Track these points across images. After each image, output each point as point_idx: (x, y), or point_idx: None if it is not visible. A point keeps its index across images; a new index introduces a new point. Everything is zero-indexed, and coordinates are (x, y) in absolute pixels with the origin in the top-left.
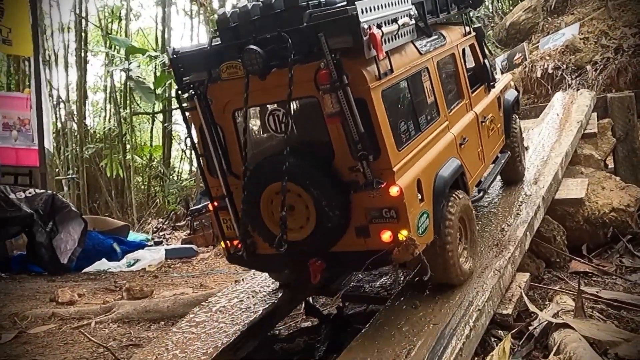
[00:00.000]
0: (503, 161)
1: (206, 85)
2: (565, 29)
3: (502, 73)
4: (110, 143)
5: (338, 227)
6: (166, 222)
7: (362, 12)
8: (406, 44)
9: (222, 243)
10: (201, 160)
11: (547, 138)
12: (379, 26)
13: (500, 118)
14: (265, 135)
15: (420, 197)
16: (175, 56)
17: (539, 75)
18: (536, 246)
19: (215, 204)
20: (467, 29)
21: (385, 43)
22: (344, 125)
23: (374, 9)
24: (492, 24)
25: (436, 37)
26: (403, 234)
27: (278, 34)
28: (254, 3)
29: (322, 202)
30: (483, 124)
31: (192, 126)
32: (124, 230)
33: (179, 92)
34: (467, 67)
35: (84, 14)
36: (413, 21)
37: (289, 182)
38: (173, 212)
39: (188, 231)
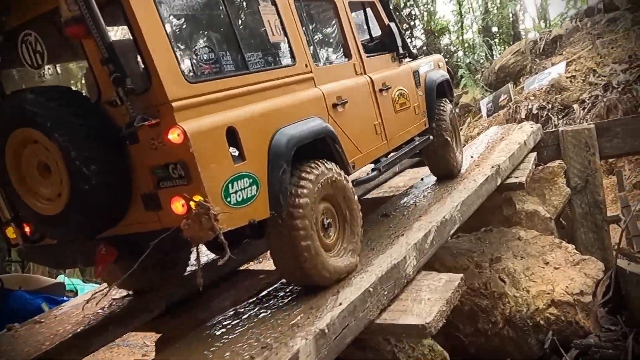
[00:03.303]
0: (417, 144)
1: None
2: (551, 68)
3: (488, 115)
4: None
5: (105, 192)
6: None
7: None
8: None
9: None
10: None
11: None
12: None
13: (420, 97)
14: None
15: (237, 154)
16: None
17: (523, 116)
18: None
19: None
20: None
21: None
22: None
23: None
24: (482, 69)
25: None
26: (195, 200)
27: None
28: None
29: (70, 152)
30: (383, 93)
31: None
32: (58, 289)
33: None
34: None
35: None
36: None
37: (31, 129)
38: None
39: None
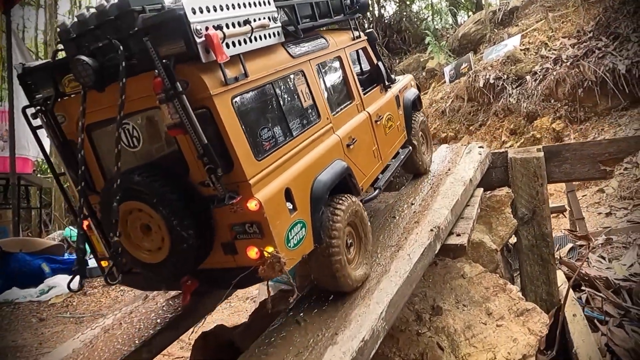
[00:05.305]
0: (403, 157)
1: (53, 101)
2: (508, 40)
3: (450, 81)
4: None
5: (197, 247)
6: None
7: (194, 12)
8: (273, 47)
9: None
10: (61, 179)
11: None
12: (219, 27)
13: (400, 116)
14: (132, 150)
15: (291, 207)
16: (23, 72)
17: (481, 85)
18: None
19: (86, 222)
20: (357, 33)
21: (233, 46)
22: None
23: (213, 9)
24: (447, 35)
25: (316, 40)
26: (268, 251)
27: (109, 42)
28: (92, 11)
29: (172, 221)
30: (378, 122)
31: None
32: (58, 250)
33: (26, 109)
34: (364, 69)
35: None
36: (278, 24)
37: (138, 202)
38: None
39: None
